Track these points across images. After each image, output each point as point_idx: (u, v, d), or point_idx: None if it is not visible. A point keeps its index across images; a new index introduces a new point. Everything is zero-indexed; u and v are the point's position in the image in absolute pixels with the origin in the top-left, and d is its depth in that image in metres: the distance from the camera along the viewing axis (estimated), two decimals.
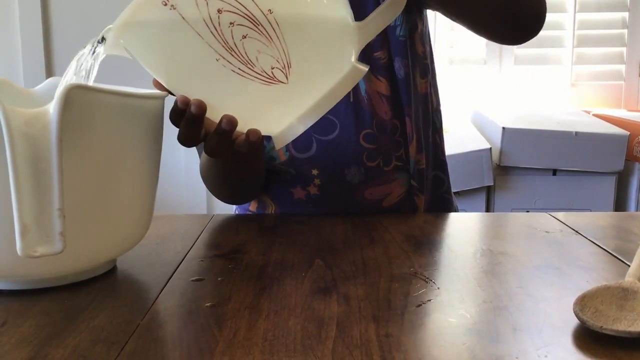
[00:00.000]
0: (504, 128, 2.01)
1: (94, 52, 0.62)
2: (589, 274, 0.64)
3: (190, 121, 0.62)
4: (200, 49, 0.58)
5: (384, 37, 0.90)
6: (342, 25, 0.61)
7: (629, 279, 0.55)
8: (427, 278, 0.63)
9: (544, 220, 0.86)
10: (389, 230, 0.81)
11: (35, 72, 2.29)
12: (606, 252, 0.71)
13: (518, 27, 0.86)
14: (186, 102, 0.61)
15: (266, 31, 0.57)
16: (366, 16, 0.62)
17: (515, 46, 2.40)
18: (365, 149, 0.90)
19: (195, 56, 0.59)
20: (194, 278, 0.64)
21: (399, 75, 0.90)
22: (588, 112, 2.36)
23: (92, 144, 0.56)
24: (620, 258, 0.69)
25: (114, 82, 0.69)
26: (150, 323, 0.53)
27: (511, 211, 2.02)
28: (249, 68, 0.58)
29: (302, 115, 0.61)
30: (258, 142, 0.63)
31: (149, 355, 0.47)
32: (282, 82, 0.59)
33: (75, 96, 0.52)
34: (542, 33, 0.89)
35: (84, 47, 0.63)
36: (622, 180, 2.08)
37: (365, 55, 0.89)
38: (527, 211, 2.02)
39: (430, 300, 0.57)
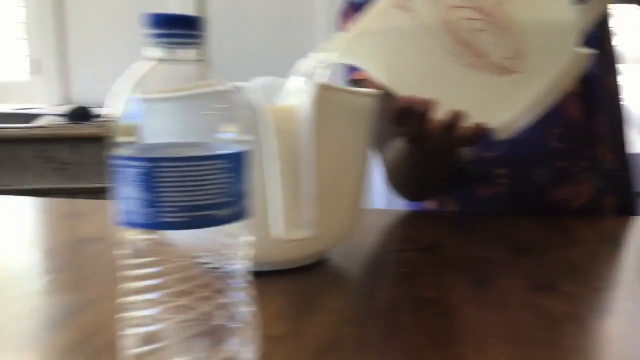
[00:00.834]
0: None
1: (320, 60, 0.67)
2: None
3: (419, 118, 0.64)
4: (433, 47, 0.61)
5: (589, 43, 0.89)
6: (565, 10, 0.62)
7: None
8: None
9: None
10: (585, 232, 0.80)
11: None
12: None
13: None
14: (411, 101, 0.64)
15: (498, 22, 0.59)
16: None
17: None
18: (555, 149, 0.90)
19: (427, 55, 0.62)
20: (404, 269, 0.67)
21: (590, 72, 0.89)
22: None
23: (329, 137, 0.60)
24: None
25: None
26: (383, 309, 0.56)
27: None
28: (481, 60, 0.60)
29: (529, 106, 0.62)
30: (484, 135, 0.65)
31: (394, 338, 0.50)
32: (512, 72, 0.61)
33: (322, 94, 0.56)
34: None
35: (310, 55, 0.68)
36: None
37: None
38: None
39: None
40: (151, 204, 0.39)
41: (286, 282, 0.62)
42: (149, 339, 0.41)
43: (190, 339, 0.41)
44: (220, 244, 0.42)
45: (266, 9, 2.48)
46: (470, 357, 0.46)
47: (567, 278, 0.63)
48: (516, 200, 0.93)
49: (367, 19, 0.65)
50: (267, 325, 0.51)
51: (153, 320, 0.41)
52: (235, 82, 0.50)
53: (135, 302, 0.41)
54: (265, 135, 0.53)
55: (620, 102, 0.96)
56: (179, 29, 0.40)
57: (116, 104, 0.40)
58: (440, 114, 0.65)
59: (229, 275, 0.42)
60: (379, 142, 0.94)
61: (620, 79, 0.98)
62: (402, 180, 0.94)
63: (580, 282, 0.62)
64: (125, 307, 0.42)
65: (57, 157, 1.81)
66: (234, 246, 0.42)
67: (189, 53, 0.41)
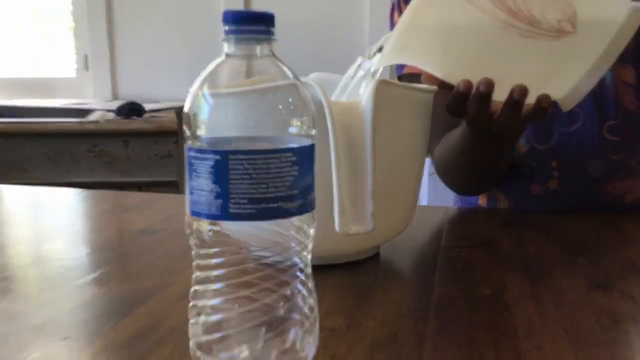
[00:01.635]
0: None
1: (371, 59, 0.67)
2: None
3: (481, 100, 0.63)
4: (485, 25, 0.60)
5: None
6: None
7: None
8: None
9: None
10: (639, 231, 0.79)
11: None
12: None
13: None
14: (469, 84, 0.63)
15: None
16: None
17: None
18: (609, 142, 0.88)
19: (479, 34, 0.61)
20: (459, 266, 0.67)
21: None
22: None
23: (388, 132, 0.60)
24: None
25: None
26: (441, 304, 0.56)
27: None
28: (536, 27, 0.60)
29: (590, 70, 0.61)
30: (549, 107, 0.63)
31: (454, 332, 0.50)
32: (570, 33, 0.60)
33: (381, 89, 0.56)
34: None
35: (363, 56, 0.68)
36: None
37: None
38: None
39: None
40: (220, 195, 0.40)
41: (340, 276, 0.63)
42: (212, 328, 0.42)
43: (252, 329, 0.42)
44: (285, 237, 0.42)
45: (313, 5, 2.48)
46: (529, 354, 0.46)
47: (624, 276, 0.62)
48: (569, 196, 0.91)
49: (411, 13, 0.65)
50: (324, 319, 0.52)
51: (217, 310, 0.42)
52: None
53: (202, 291, 0.42)
54: (327, 130, 0.54)
55: None
56: (252, 25, 0.41)
57: (188, 98, 0.41)
58: (501, 93, 0.64)
59: (291, 268, 0.43)
60: (431, 137, 0.94)
61: None
62: (456, 171, 0.93)
63: (638, 281, 0.61)
64: (191, 296, 0.43)
65: (107, 151, 1.85)
66: (297, 239, 0.43)
67: (261, 49, 0.42)
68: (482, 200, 1.01)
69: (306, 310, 0.43)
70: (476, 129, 0.68)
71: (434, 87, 0.68)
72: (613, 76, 0.87)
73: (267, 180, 0.40)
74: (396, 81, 0.64)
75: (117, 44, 2.56)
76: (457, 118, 0.69)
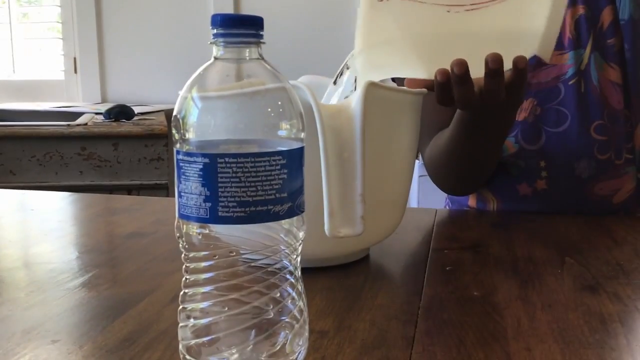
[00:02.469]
0: None
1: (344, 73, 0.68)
2: None
3: (461, 81, 0.64)
4: (433, 15, 0.62)
5: (616, 22, 0.88)
6: None
7: None
8: None
9: None
10: (627, 232, 0.80)
11: None
12: None
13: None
14: (445, 72, 0.64)
15: None
16: None
17: None
18: (596, 141, 0.89)
19: (435, 26, 0.64)
20: (448, 268, 0.67)
21: (628, 60, 0.88)
22: None
23: (377, 135, 0.60)
24: None
25: None
26: (430, 306, 0.56)
27: None
28: None
29: (551, 9, 0.63)
30: (526, 67, 0.64)
31: (443, 334, 0.50)
32: None
33: (371, 92, 0.56)
34: None
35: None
36: None
37: (598, 44, 0.88)
38: None
39: None
40: (209, 199, 0.40)
41: (330, 278, 0.63)
42: (202, 331, 0.42)
43: (241, 332, 0.42)
44: (274, 240, 0.42)
45: (303, 8, 2.49)
46: (518, 355, 0.46)
47: (612, 278, 0.63)
48: (557, 196, 0.92)
49: (366, 27, 0.67)
50: (314, 321, 0.52)
51: (206, 313, 0.42)
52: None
53: (190, 295, 0.42)
54: (316, 133, 0.54)
55: None
56: (241, 28, 0.41)
57: (177, 101, 0.41)
58: (480, 69, 0.64)
59: (280, 270, 0.43)
60: (421, 138, 0.94)
61: None
62: (446, 171, 0.92)
63: (626, 282, 0.61)
64: (181, 300, 0.43)
65: (96, 154, 1.85)
66: (286, 242, 0.43)
67: (249, 52, 0.42)
68: (471, 201, 1.01)
69: (296, 312, 0.43)
70: (470, 110, 0.68)
71: (423, 90, 0.68)
72: (598, 76, 0.88)
73: (256, 183, 0.40)
74: (385, 84, 0.64)
75: (106, 47, 2.55)
76: (449, 106, 0.69)
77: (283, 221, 0.42)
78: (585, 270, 0.65)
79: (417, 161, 1.05)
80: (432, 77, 0.66)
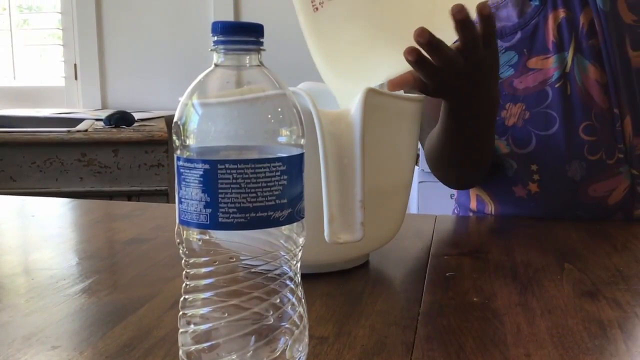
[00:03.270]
0: None
1: None
2: None
3: (432, 48, 0.64)
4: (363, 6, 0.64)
5: (592, 23, 0.88)
6: None
7: None
8: None
9: None
10: (625, 237, 0.80)
11: None
12: None
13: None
14: (412, 49, 0.64)
15: None
16: None
17: None
18: (585, 142, 0.89)
19: (377, 19, 0.66)
20: (448, 273, 0.67)
21: (603, 54, 0.88)
22: None
23: (377, 141, 0.61)
24: None
25: None
26: (430, 312, 0.56)
27: None
28: None
29: None
30: (492, 14, 0.66)
31: (443, 340, 0.50)
32: None
33: (370, 98, 0.57)
34: None
35: None
36: None
37: (580, 46, 0.89)
38: None
39: None
40: (209, 205, 0.40)
41: (330, 284, 0.63)
42: (202, 337, 0.42)
43: (241, 338, 0.42)
44: (273, 246, 0.42)
45: None
46: None
47: (611, 284, 0.63)
48: (550, 199, 0.92)
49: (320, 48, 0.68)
50: (313, 327, 0.52)
51: (206, 318, 0.42)
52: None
53: (190, 301, 0.42)
54: (316, 139, 0.54)
55: None
56: (241, 35, 0.41)
57: (178, 108, 0.42)
58: (450, 35, 0.65)
59: (280, 276, 0.43)
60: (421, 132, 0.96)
61: None
62: (444, 163, 0.92)
63: (625, 288, 0.61)
64: (181, 305, 0.43)
65: (97, 160, 1.85)
66: (286, 248, 0.43)
67: (249, 59, 0.42)
68: (472, 204, 1.02)
69: (295, 318, 0.44)
70: (453, 70, 0.68)
71: (422, 96, 0.68)
72: (582, 77, 0.88)
73: (256, 189, 0.40)
74: (385, 90, 0.64)
75: (106, 53, 2.56)
76: (437, 80, 0.69)
77: (283, 227, 0.42)
78: (584, 276, 0.65)
79: (416, 167, 1.05)
80: (408, 71, 0.66)
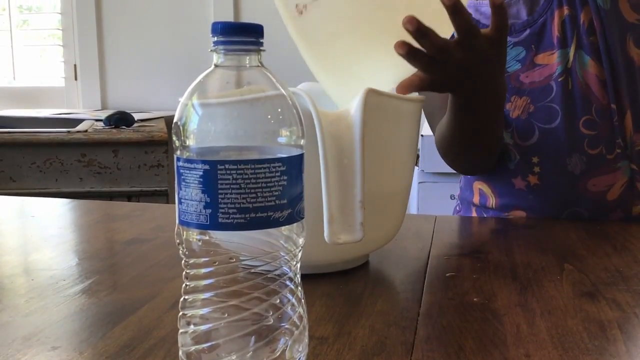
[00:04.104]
0: None
1: None
2: None
3: (422, 35, 0.64)
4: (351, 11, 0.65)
5: (592, 21, 0.89)
6: None
7: None
8: None
9: None
10: (628, 238, 0.80)
11: None
12: None
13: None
14: (401, 43, 0.64)
15: None
16: None
17: None
18: (585, 136, 0.90)
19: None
20: (448, 274, 0.67)
21: (601, 50, 0.89)
22: None
23: (377, 142, 0.61)
24: None
25: None
26: (429, 312, 0.56)
27: None
28: None
29: None
30: (504, 5, 0.67)
31: (443, 340, 0.50)
32: None
33: (370, 99, 0.57)
34: None
35: None
36: None
37: (581, 42, 0.90)
38: None
39: None
40: (209, 205, 0.40)
41: (330, 284, 0.63)
42: (201, 337, 0.42)
43: (241, 338, 0.42)
44: (274, 246, 0.42)
45: None
46: None
47: (611, 284, 0.63)
48: (550, 191, 0.93)
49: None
50: (313, 327, 0.52)
51: (206, 319, 0.42)
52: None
53: (190, 301, 0.42)
54: (316, 140, 0.54)
55: None
56: (241, 36, 0.41)
57: (178, 108, 0.42)
58: (445, 28, 0.65)
59: (280, 276, 0.43)
60: (432, 119, 0.98)
61: None
62: (455, 151, 0.92)
63: (625, 289, 0.61)
64: (181, 306, 0.43)
65: (97, 161, 1.85)
66: (286, 248, 0.43)
67: (249, 59, 0.42)
68: (475, 198, 1.02)
69: (295, 319, 0.44)
70: (452, 61, 0.68)
71: (422, 97, 0.69)
72: (582, 73, 0.89)
73: (256, 190, 0.40)
74: (385, 91, 0.64)
75: (106, 54, 2.56)
76: (437, 71, 0.69)
77: (283, 227, 0.42)
78: (584, 277, 0.65)
79: (416, 168, 1.05)
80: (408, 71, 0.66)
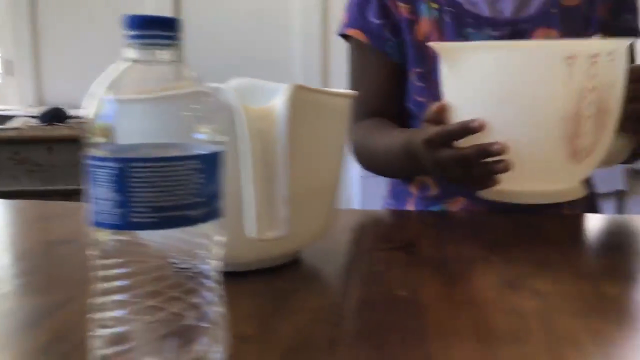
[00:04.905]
0: None
1: None
2: None
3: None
4: None
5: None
6: None
7: None
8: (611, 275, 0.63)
9: None
10: (556, 230, 0.82)
11: None
12: None
13: None
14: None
15: None
16: None
17: None
18: None
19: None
20: (377, 268, 0.67)
21: None
22: None
23: (304, 137, 0.60)
24: None
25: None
26: (356, 307, 0.57)
27: None
28: None
29: None
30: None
31: (369, 336, 0.51)
32: None
33: (297, 94, 0.56)
34: None
35: None
36: None
37: None
38: None
39: (622, 294, 0.58)
40: (122, 204, 0.39)
41: (258, 282, 0.62)
42: (118, 339, 0.41)
43: (159, 339, 0.41)
44: (191, 244, 0.42)
45: (243, 10, 2.47)
46: (438, 355, 0.47)
47: (534, 274, 0.64)
48: None
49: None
50: (237, 325, 0.51)
51: (122, 321, 0.41)
52: (212, 84, 0.51)
53: (105, 303, 0.41)
54: (239, 136, 0.54)
55: None
56: (155, 30, 0.40)
57: (91, 104, 0.40)
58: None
59: (199, 275, 0.42)
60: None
61: None
62: (376, 169, 0.95)
63: (547, 279, 0.63)
64: (95, 308, 0.42)
65: (30, 158, 1.80)
66: (205, 246, 0.42)
67: (165, 54, 0.41)
68: (413, 189, 1.03)
69: (215, 318, 0.43)
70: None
71: (352, 92, 0.69)
72: None
73: (170, 188, 0.39)
74: (312, 86, 0.64)
75: (41, 49, 2.49)
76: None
77: (200, 225, 0.41)
78: (509, 268, 0.66)
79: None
80: None
